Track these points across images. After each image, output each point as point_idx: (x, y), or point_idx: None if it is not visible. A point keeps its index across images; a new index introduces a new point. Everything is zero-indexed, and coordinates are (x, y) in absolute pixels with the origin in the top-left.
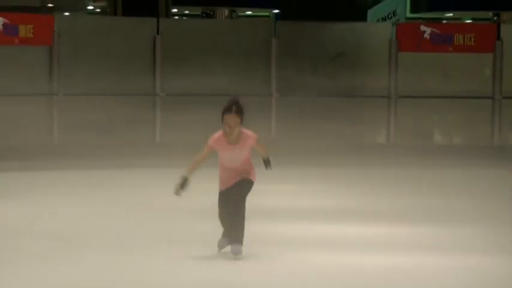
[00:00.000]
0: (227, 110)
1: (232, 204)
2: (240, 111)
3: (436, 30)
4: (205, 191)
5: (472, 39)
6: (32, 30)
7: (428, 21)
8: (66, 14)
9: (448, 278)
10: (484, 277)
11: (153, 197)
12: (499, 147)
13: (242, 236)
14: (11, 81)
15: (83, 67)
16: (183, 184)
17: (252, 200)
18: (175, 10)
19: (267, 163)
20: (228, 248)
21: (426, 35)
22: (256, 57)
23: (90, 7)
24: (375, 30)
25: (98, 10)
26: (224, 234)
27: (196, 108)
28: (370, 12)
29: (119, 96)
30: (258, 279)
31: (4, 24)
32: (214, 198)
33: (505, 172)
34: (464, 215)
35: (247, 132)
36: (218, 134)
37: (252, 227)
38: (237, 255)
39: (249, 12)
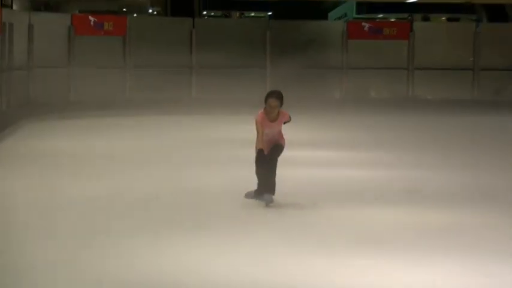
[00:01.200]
0: (270, 95)
1: (268, 164)
2: (279, 97)
3: (372, 25)
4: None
5: (395, 31)
6: (112, 26)
7: (367, 20)
8: (135, 15)
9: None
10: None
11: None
12: (412, 99)
13: (274, 189)
14: (101, 57)
15: (145, 49)
16: (261, 153)
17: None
18: (205, 12)
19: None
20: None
21: (366, 28)
22: (256, 43)
23: (150, 10)
24: (333, 26)
25: (155, 12)
26: (257, 190)
27: (218, 78)
28: (331, 14)
29: (168, 68)
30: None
31: (94, 22)
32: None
33: (406, 116)
34: (386, 142)
35: (283, 111)
36: (260, 113)
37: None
38: (269, 203)
39: (252, 14)
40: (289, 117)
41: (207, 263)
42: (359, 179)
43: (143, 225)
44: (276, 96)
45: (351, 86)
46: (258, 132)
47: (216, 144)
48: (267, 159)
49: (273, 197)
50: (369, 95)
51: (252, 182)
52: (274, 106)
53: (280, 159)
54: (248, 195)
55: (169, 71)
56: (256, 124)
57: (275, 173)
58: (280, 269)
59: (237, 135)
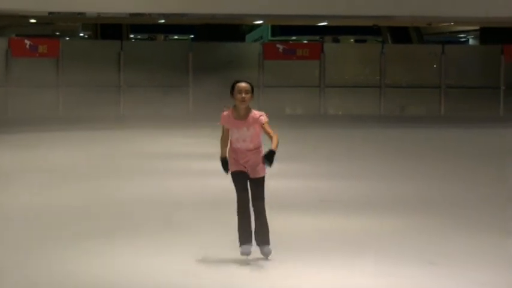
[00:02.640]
0: (238, 81)
1: (255, 208)
2: (250, 84)
3: (286, 47)
4: None
5: (307, 52)
6: (46, 48)
7: (281, 42)
8: (67, 38)
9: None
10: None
11: None
12: (323, 115)
13: (268, 237)
14: (36, 77)
15: (77, 70)
16: (224, 163)
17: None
18: (132, 36)
19: (268, 156)
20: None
21: (280, 50)
22: (180, 64)
23: (81, 34)
24: (250, 47)
25: (86, 36)
26: (243, 240)
27: (144, 95)
28: (248, 37)
29: (98, 87)
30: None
31: (29, 45)
32: None
33: (318, 130)
34: (300, 154)
35: (255, 112)
36: (226, 112)
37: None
38: (268, 255)
39: (175, 37)
40: (265, 116)
41: (136, 265)
42: (275, 188)
43: (72, 234)
44: (245, 81)
45: (267, 103)
46: (222, 133)
47: (141, 156)
48: (246, 187)
49: (269, 247)
50: (283, 111)
51: (172, 188)
52: (245, 91)
53: (203, 167)
54: (247, 253)
55: (99, 89)
56: (221, 124)
57: (266, 216)
58: (198, 271)
59: (160, 148)
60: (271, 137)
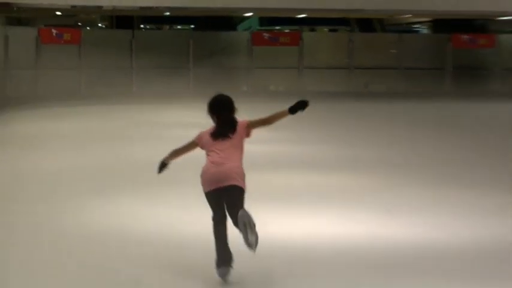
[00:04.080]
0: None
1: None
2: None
3: (271, 35)
4: None
5: (288, 39)
6: (70, 36)
7: (267, 31)
8: (87, 28)
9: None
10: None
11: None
12: (302, 92)
13: (225, 258)
14: (61, 61)
15: (96, 54)
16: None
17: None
18: (142, 26)
19: (294, 109)
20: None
21: (266, 37)
22: (182, 49)
23: (100, 25)
24: (241, 36)
25: (104, 26)
26: (221, 261)
27: (153, 76)
28: (239, 27)
29: (114, 69)
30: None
31: (56, 33)
32: None
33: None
34: (282, 124)
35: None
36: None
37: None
38: (224, 277)
39: (179, 27)
40: (248, 122)
41: (149, 212)
42: (261, 152)
43: (101, 188)
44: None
45: (255, 81)
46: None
47: (149, 125)
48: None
49: (229, 268)
50: (268, 88)
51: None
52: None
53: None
54: (225, 274)
55: (114, 71)
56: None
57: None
58: (195, 218)
59: (164, 118)
60: (269, 120)
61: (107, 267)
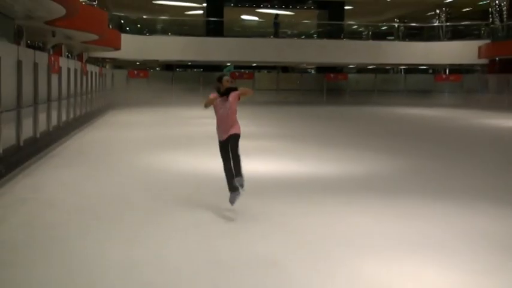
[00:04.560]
0: (221, 77)
1: (233, 153)
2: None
3: (239, 73)
4: None
5: (248, 76)
6: (142, 74)
7: (237, 71)
8: (151, 70)
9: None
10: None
11: None
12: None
13: (242, 172)
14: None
15: (155, 84)
16: (221, 144)
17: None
18: (177, 69)
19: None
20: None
21: (237, 74)
22: (196, 81)
23: (157, 68)
24: (225, 74)
25: (158, 68)
26: (231, 188)
27: (182, 93)
28: (224, 70)
29: (163, 90)
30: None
31: (136, 72)
32: None
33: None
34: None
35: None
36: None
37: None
38: (241, 184)
39: (195, 69)
40: (238, 91)
41: (179, 161)
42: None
43: (156, 147)
44: (229, 76)
45: (259, 96)
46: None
47: (180, 117)
48: (230, 147)
49: (238, 192)
50: (270, 100)
51: (194, 130)
52: (230, 81)
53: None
54: (233, 200)
55: (165, 91)
56: (210, 98)
57: (238, 163)
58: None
59: (189, 113)
60: (243, 92)
61: (157, 185)
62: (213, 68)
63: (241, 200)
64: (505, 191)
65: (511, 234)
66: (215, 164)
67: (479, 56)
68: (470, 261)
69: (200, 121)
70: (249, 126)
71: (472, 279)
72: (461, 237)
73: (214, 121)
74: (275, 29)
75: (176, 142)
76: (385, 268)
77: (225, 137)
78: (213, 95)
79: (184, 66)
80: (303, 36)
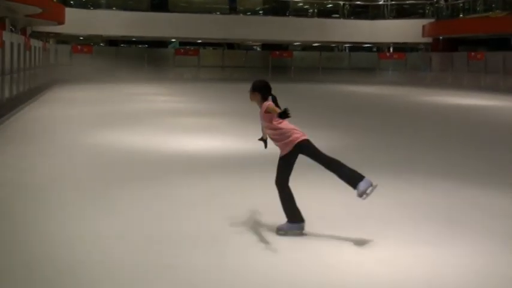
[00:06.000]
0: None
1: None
2: (255, 83)
3: (184, 50)
4: None
5: (193, 52)
6: (86, 49)
7: (183, 48)
8: (95, 45)
9: None
10: None
11: None
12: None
13: (288, 215)
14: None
15: (101, 59)
16: (264, 141)
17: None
18: (122, 44)
19: (281, 115)
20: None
21: (182, 51)
22: (141, 57)
23: (102, 44)
24: (170, 50)
25: (103, 44)
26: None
27: (126, 71)
28: (169, 46)
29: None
30: None
31: (79, 48)
32: None
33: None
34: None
35: (263, 103)
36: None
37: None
38: (279, 231)
39: (140, 45)
40: (265, 107)
41: (140, 139)
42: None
43: (105, 125)
44: (255, 81)
45: (176, 73)
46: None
47: (128, 94)
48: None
49: (285, 226)
50: (183, 76)
51: (149, 106)
52: (250, 97)
53: (161, 98)
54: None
55: (108, 67)
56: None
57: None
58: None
59: (132, 90)
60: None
61: (102, 164)
62: (158, 44)
63: (183, 179)
64: (443, 165)
65: (448, 205)
66: (161, 141)
67: (423, 35)
68: (408, 232)
69: (145, 98)
70: (194, 103)
71: (408, 250)
72: (396, 208)
73: (161, 98)
74: (230, 4)
75: (122, 119)
76: (327, 241)
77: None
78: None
79: (129, 42)
80: (249, 13)
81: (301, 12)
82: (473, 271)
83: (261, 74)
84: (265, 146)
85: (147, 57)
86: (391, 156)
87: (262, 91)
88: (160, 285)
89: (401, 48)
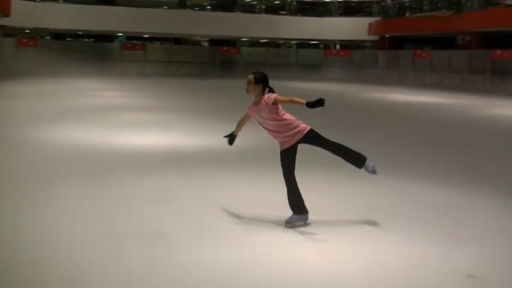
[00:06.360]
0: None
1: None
2: (256, 74)
3: (130, 45)
4: None
5: (139, 47)
6: (32, 43)
7: (129, 42)
8: (42, 38)
9: None
10: None
11: None
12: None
13: (293, 207)
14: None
15: (46, 53)
16: (231, 137)
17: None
18: (68, 38)
19: (314, 104)
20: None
21: (129, 46)
22: (88, 51)
23: (48, 37)
24: (116, 45)
25: (49, 38)
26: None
27: (71, 64)
28: (116, 40)
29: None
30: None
31: (25, 41)
32: None
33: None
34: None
35: (268, 95)
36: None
37: None
38: (287, 224)
39: (86, 39)
40: (275, 97)
41: (100, 134)
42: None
43: (56, 120)
44: (252, 73)
45: (123, 68)
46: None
47: (78, 89)
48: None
49: (293, 218)
50: (129, 71)
51: (95, 102)
52: (248, 82)
53: (111, 94)
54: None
55: (51, 61)
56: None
57: (292, 188)
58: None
59: (80, 86)
60: (292, 101)
61: (45, 157)
62: (105, 39)
63: (125, 173)
64: (386, 161)
65: (389, 199)
66: (106, 137)
67: (370, 33)
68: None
69: (91, 93)
70: (140, 98)
71: (349, 242)
72: (336, 203)
73: (107, 93)
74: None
75: (66, 114)
76: (270, 238)
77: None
78: (248, 107)
79: (75, 35)
80: (197, 8)
81: (249, 8)
82: (407, 262)
83: (208, 69)
84: (232, 143)
85: (93, 51)
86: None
87: (264, 83)
88: (104, 283)
89: (348, 45)
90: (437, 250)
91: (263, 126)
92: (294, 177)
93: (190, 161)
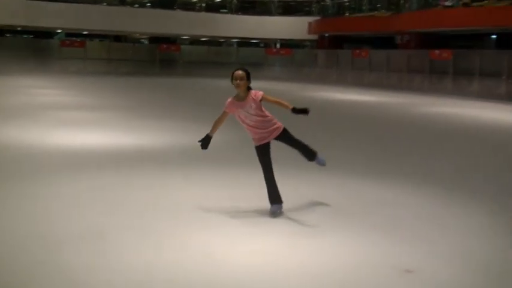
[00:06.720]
0: (236, 69)
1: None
2: (245, 71)
3: (69, 42)
4: None
5: (79, 44)
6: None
7: (67, 39)
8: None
9: None
10: None
11: None
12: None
13: (272, 199)
14: None
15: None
16: (205, 140)
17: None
18: (7, 34)
19: (299, 111)
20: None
21: (68, 42)
22: (29, 48)
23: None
24: (56, 41)
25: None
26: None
27: (14, 60)
28: (55, 37)
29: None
30: None
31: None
32: None
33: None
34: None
35: (255, 91)
36: (229, 99)
37: None
38: (273, 215)
39: (25, 36)
40: (262, 94)
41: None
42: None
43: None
44: (240, 68)
45: (63, 66)
46: (219, 115)
47: (21, 87)
48: (266, 155)
49: (278, 206)
50: (69, 69)
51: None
52: (239, 78)
53: (51, 93)
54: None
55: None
56: (225, 110)
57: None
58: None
59: (23, 83)
60: (278, 103)
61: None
62: (44, 35)
63: (67, 174)
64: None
65: (334, 198)
66: (42, 136)
67: (309, 32)
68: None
69: (29, 91)
70: (78, 96)
71: (286, 240)
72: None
73: (45, 91)
74: None
75: (4, 112)
76: (214, 238)
77: (259, 140)
78: (230, 100)
79: (13, 31)
80: (137, 5)
81: (189, 6)
82: (349, 260)
83: (148, 67)
84: (206, 147)
85: (32, 48)
86: (277, 152)
87: (249, 79)
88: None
89: (288, 44)
90: (377, 248)
91: (243, 122)
92: (272, 170)
93: (129, 159)
